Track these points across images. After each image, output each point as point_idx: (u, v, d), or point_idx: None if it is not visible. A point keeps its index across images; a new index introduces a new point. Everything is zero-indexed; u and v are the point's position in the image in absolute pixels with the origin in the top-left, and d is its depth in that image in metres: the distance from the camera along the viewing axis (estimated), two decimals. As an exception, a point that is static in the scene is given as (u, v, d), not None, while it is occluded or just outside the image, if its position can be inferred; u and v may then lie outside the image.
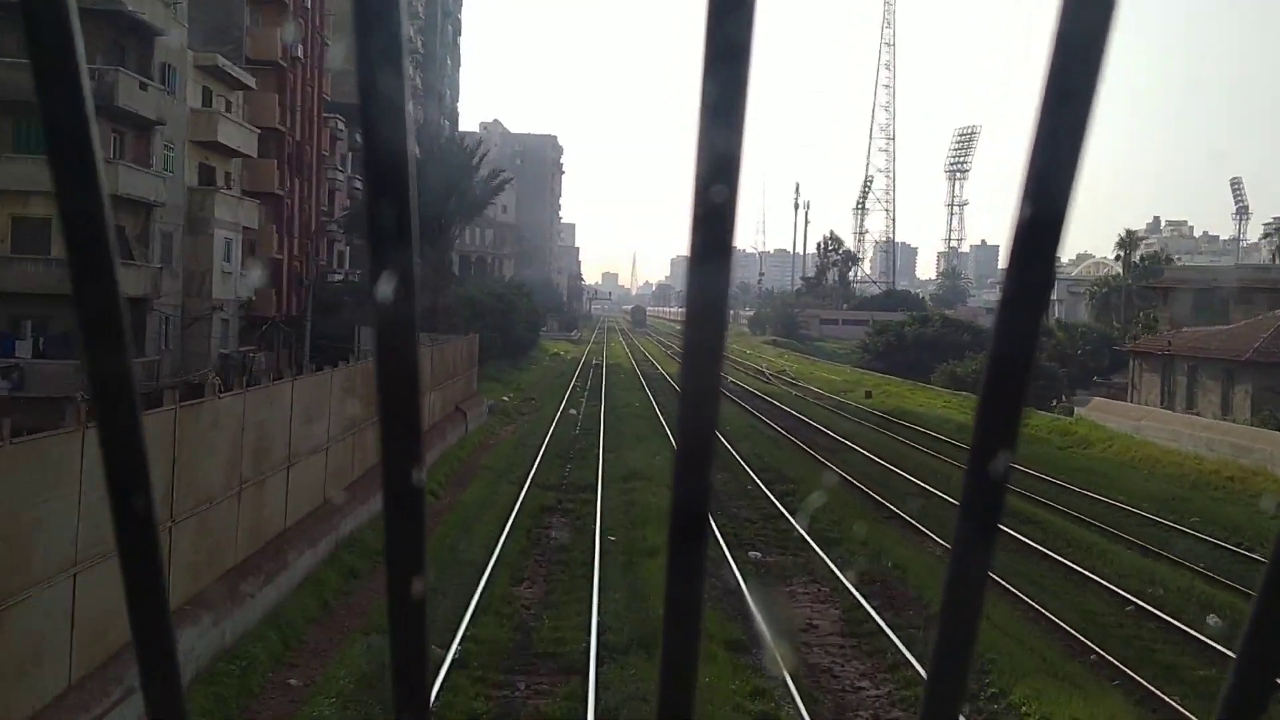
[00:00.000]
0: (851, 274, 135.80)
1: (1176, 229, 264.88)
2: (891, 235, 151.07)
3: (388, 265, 0.64)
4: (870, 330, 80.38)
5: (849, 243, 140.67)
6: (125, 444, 0.66)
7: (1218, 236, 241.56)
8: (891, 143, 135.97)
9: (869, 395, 49.91)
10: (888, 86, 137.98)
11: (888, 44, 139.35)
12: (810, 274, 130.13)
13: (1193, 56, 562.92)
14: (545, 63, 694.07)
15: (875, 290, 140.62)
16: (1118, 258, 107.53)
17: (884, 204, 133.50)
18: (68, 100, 0.61)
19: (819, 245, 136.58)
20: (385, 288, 0.64)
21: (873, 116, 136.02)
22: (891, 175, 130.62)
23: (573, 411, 38.37)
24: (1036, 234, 0.61)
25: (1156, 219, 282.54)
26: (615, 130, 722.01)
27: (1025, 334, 0.62)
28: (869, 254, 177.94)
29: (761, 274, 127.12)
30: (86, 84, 0.62)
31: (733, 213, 0.62)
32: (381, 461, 0.67)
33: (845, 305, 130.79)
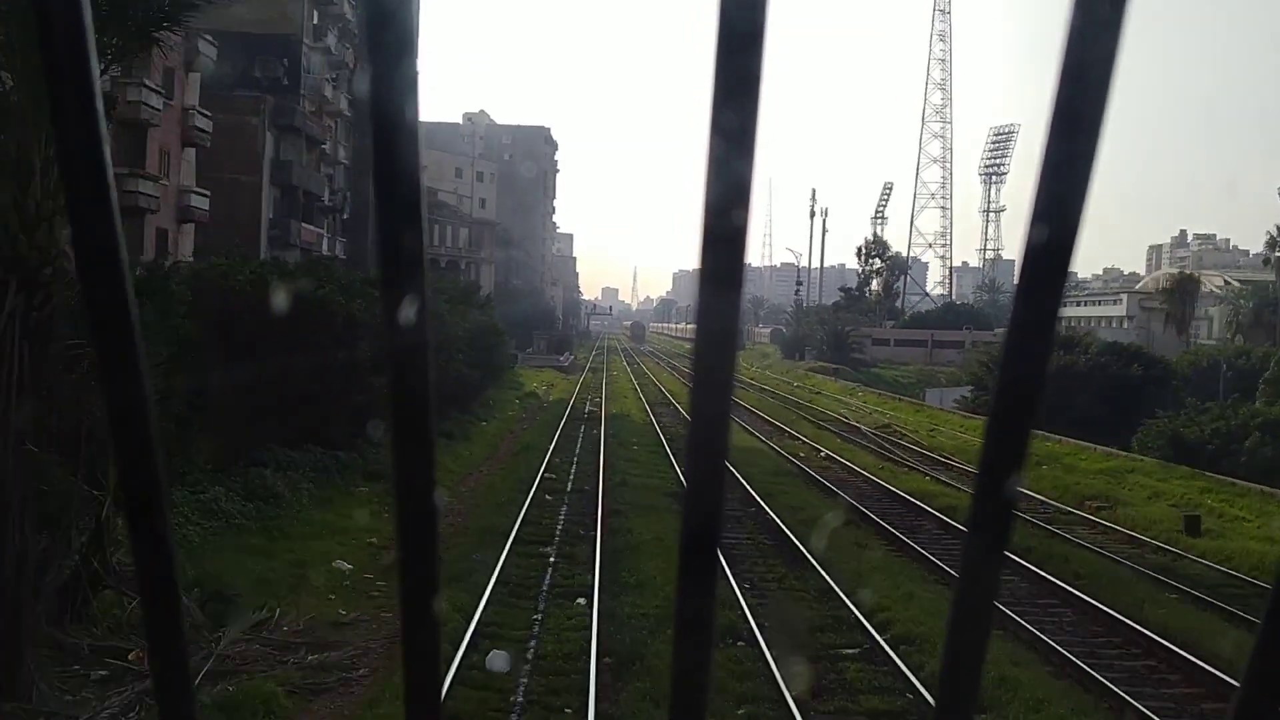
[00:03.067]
0: (896, 284, 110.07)
1: (1206, 242, 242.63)
2: (949, 236, 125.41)
3: (405, 292, 0.64)
4: (989, 360, 54.20)
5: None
6: (143, 468, 0.67)
7: (1248, 251, 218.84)
8: (948, 128, 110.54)
9: (1195, 528, 22.24)
10: (943, 61, 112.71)
11: (942, 10, 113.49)
12: (821, 283, 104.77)
13: (1218, 65, 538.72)
14: (541, 64, 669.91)
15: (925, 304, 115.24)
16: (1276, 254, 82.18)
17: (939, 200, 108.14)
18: (83, 133, 0.62)
19: (859, 250, 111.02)
20: (407, 312, 0.64)
21: (925, 97, 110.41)
22: (948, 167, 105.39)
23: (503, 666, 11.27)
24: (1046, 258, 0.61)
25: (1183, 232, 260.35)
26: (616, 144, 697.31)
27: (1036, 356, 0.62)
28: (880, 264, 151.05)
29: (799, 283, 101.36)
30: (102, 119, 0.62)
31: (743, 240, 0.62)
32: (395, 483, 0.67)
33: (891, 322, 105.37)
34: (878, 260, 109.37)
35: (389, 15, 0.61)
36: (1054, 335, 0.62)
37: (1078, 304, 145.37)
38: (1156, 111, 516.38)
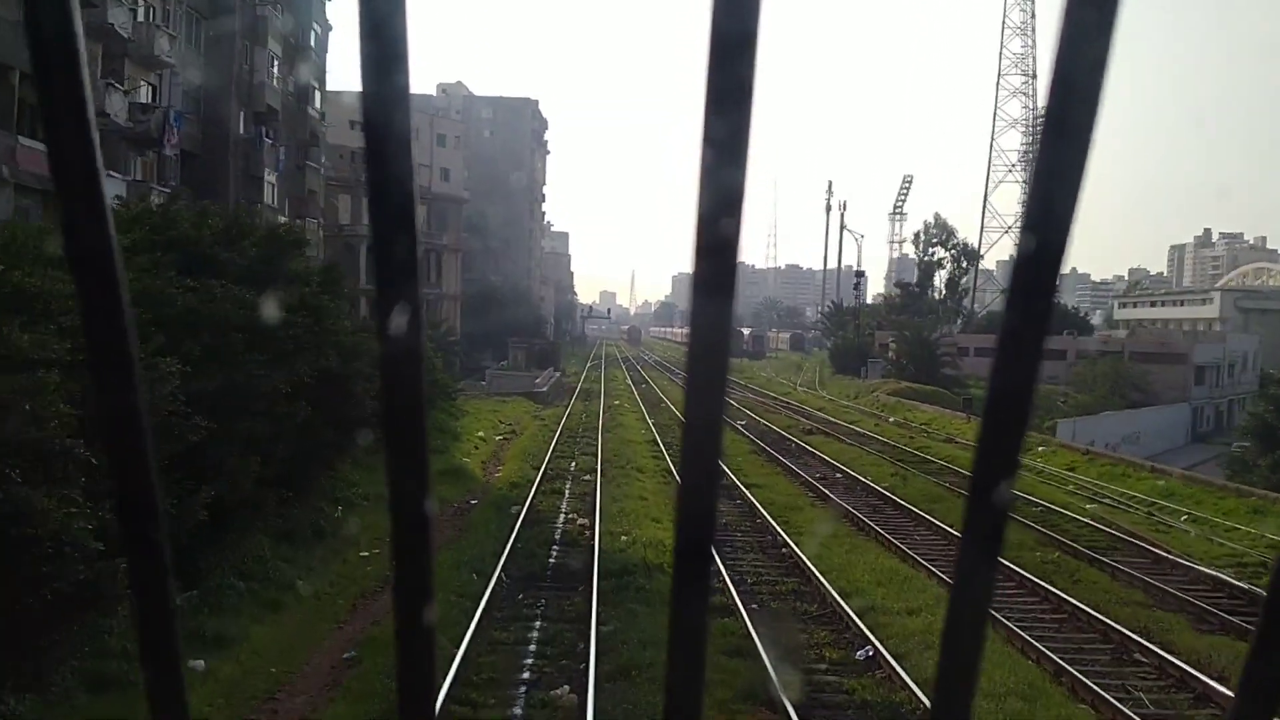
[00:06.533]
0: (965, 279, 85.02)
1: (1233, 240, 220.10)
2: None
3: (397, 299, 0.63)
4: (1265, 399, 28.83)
5: (883, 255, 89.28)
6: (137, 475, 0.66)
7: (1275, 250, 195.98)
8: (1031, 82, 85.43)
9: None
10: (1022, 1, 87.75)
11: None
12: (839, 284, 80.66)
13: (1241, 61, 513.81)
14: (533, 49, 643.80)
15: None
16: None
17: (1019, 171, 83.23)
18: (76, 140, 0.61)
19: (917, 237, 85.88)
20: (398, 320, 0.63)
21: (1001, 43, 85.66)
22: (1031, 130, 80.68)
23: None
24: (1038, 266, 0.60)
25: (1207, 231, 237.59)
26: (611, 142, 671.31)
27: (1028, 363, 0.61)
28: (891, 263, 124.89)
29: (860, 272, 76.38)
30: (94, 125, 0.62)
31: (736, 249, 0.61)
32: (388, 490, 0.66)
33: (961, 324, 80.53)
34: (940, 249, 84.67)
35: (380, 25, 0.59)
36: (1045, 342, 0.61)
37: (1151, 304, 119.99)
38: (1172, 111, 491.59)
